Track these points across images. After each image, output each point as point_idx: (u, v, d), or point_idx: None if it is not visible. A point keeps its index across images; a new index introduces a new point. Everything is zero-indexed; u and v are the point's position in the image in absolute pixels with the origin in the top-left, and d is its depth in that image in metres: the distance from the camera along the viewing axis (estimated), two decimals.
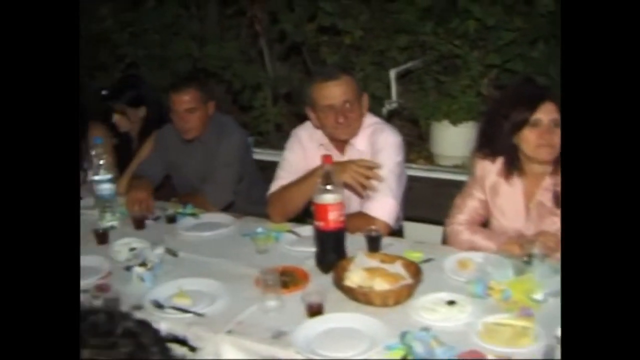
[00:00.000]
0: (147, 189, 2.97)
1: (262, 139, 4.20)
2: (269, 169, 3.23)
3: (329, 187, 2.14)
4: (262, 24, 3.97)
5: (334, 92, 2.61)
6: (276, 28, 3.88)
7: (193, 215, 2.84)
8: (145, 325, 1.02)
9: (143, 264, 2.22)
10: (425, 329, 1.77)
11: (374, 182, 2.46)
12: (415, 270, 2.07)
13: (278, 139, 4.06)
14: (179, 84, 3.09)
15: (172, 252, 2.45)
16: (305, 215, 2.73)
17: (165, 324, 1.94)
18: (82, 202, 3.07)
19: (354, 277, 2.02)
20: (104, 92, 4.53)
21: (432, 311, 1.89)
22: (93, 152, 2.80)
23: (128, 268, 2.23)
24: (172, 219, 2.80)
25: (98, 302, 1.98)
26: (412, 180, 2.96)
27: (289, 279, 2.11)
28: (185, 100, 3.03)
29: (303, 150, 2.79)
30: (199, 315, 1.96)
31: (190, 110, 3.04)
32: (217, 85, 4.25)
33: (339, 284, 2.02)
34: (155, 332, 1.03)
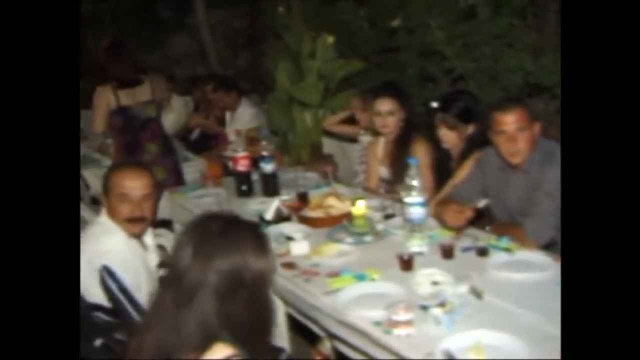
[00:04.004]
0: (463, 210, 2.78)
1: None
2: None
3: None
4: None
5: None
6: None
7: (507, 250, 2.55)
8: None
9: (442, 305, 2.03)
10: None
11: None
12: None
13: None
14: (505, 103, 2.82)
15: (476, 293, 2.20)
16: None
17: None
18: (392, 222, 3.00)
19: None
20: (433, 104, 4.45)
21: None
22: (409, 172, 2.69)
23: (424, 307, 2.04)
24: (483, 252, 2.56)
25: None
26: None
27: None
28: (513, 121, 2.74)
29: None
30: None
31: (518, 131, 2.74)
32: (550, 102, 3.86)
33: None
34: None
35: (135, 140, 4.21)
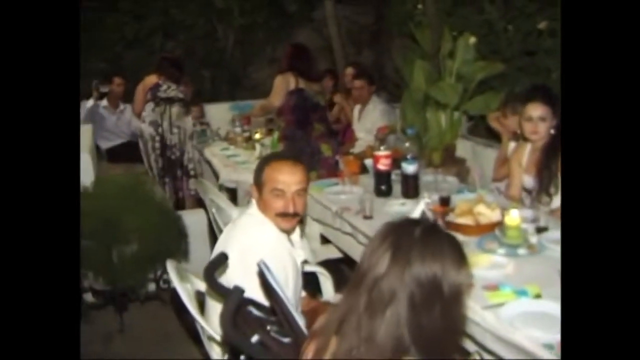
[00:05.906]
0: None
1: None
2: None
3: None
4: None
5: None
6: None
7: None
8: None
9: None
10: None
11: None
12: None
13: None
14: None
15: None
16: None
17: None
18: (547, 235, 2.84)
19: None
20: None
21: None
22: None
23: None
24: None
25: None
26: None
27: None
28: None
29: None
30: None
31: None
32: None
33: None
34: None
35: (306, 118, 4.82)
